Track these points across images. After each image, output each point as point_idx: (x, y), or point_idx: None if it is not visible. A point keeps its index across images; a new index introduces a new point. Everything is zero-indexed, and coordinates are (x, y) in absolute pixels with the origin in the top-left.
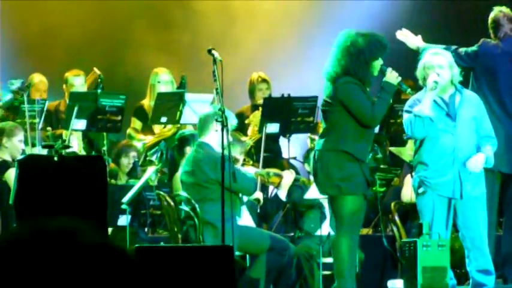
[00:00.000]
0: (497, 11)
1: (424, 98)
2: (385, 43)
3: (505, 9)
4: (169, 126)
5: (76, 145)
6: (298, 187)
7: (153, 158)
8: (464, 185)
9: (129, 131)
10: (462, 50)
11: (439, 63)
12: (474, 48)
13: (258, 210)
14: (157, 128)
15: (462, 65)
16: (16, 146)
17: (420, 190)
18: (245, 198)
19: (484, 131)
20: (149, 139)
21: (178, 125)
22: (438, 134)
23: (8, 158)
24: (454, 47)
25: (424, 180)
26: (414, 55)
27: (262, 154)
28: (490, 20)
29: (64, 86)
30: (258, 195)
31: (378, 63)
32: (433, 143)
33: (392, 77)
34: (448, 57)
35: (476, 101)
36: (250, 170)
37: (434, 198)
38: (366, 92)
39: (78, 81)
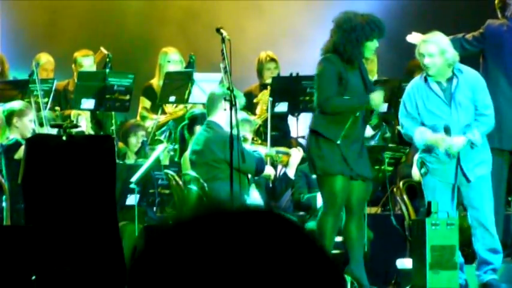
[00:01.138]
0: None
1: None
2: (381, 26)
3: None
4: (181, 106)
5: (84, 125)
6: (302, 176)
7: (162, 137)
8: (465, 169)
9: (140, 110)
10: (469, 35)
11: (428, 51)
12: (480, 30)
13: (270, 185)
14: (169, 108)
15: (473, 50)
16: (27, 126)
17: (422, 171)
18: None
19: (479, 108)
20: (162, 118)
21: (190, 105)
22: (436, 122)
23: (19, 138)
24: (460, 35)
25: (425, 162)
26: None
27: (269, 133)
28: (496, 1)
29: (73, 65)
30: (270, 171)
31: (372, 45)
32: (432, 130)
33: (376, 99)
34: (440, 44)
35: (474, 80)
36: (258, 150)
37: (436, 180)
38: (338, 75)
39: (87, 62)
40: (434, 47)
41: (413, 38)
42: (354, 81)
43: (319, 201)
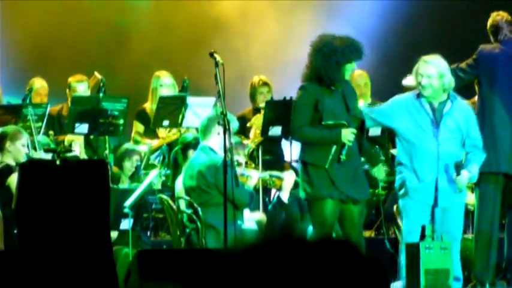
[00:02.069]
0: (495, 15)
1: None
2: (359, 48)
3: (502, 12)
4: (174, 130)
5: (78, 150)
6: (295, 201)
7: (156, 162)
8: (440, 193)
9: (133, 135)
10: (462, 64)
11: (427, 73)
12: (473, 56)
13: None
14: (162, 132)
15: (468, 78)
16: (19, 150)
17: (401, 192)
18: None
19: (471, 140)
20: (155, 143)
21: (184, 129)
22: (421, 140)
23: (12, 163)
24: (454, 65)
25: (405, 182)
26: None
27: (260, 158)
28: (488, 26)
29: (67, 90)
30: (261, 216)
31: (350, 67)
32: (415, 148)
33: (347, 134)
34: (440, 67)
35: (466, 111)
36: (252, 174)
37: (414, 202)
38: (314, 103)
39: (82, 88)
40: (434, 69)
41: (408, 81)
42: (332, 106)
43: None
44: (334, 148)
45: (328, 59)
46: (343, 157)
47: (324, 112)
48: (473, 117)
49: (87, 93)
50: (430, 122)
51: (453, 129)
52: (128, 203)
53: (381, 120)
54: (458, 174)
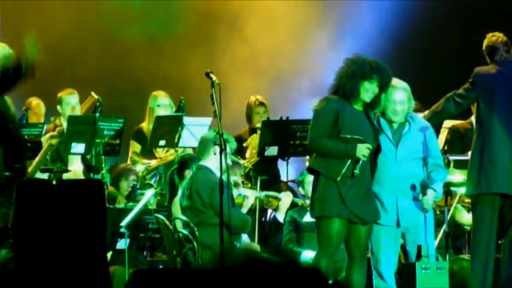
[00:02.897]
0: (490, 36)
1: None
2: (383, 71)
3: (497, 33)
4: (172, 151)
5: (77, 168)
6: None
7: (152, 182)
8: (401, 214)
9: (131, 155)
10: (459, 90)
11: (400, 99)
12: (470, 80)
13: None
14: (160, 152)
15: (467, 102)
16: None
17: None
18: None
19: (433, 158)
20: (153, 162)
21: (181, 149)
22: (381, 161)
23: None
24: (450, 93)
25: None
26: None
27: (258, 178)
28: (484, 47)
29: (58, 106)
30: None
31: (369, 86)
32: (378, 171)
33: (362, 149)
34: (408, 91)
35: (426, 130)
36: (248, 193)
37: (377, 225)
38: (335, 115)
39: (74, 100)
40: (405, 95)
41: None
42: (352, 121)
43: (304, 257)
44: (348, 162)
45: (348, 69)
46: (357, 171)
47: (343, 125)
48: (433, 135)
49: (78, 105)
50: (390, 143)
51: (412, 149)
52: (124, 222)
53: None
54: (424, 194)
